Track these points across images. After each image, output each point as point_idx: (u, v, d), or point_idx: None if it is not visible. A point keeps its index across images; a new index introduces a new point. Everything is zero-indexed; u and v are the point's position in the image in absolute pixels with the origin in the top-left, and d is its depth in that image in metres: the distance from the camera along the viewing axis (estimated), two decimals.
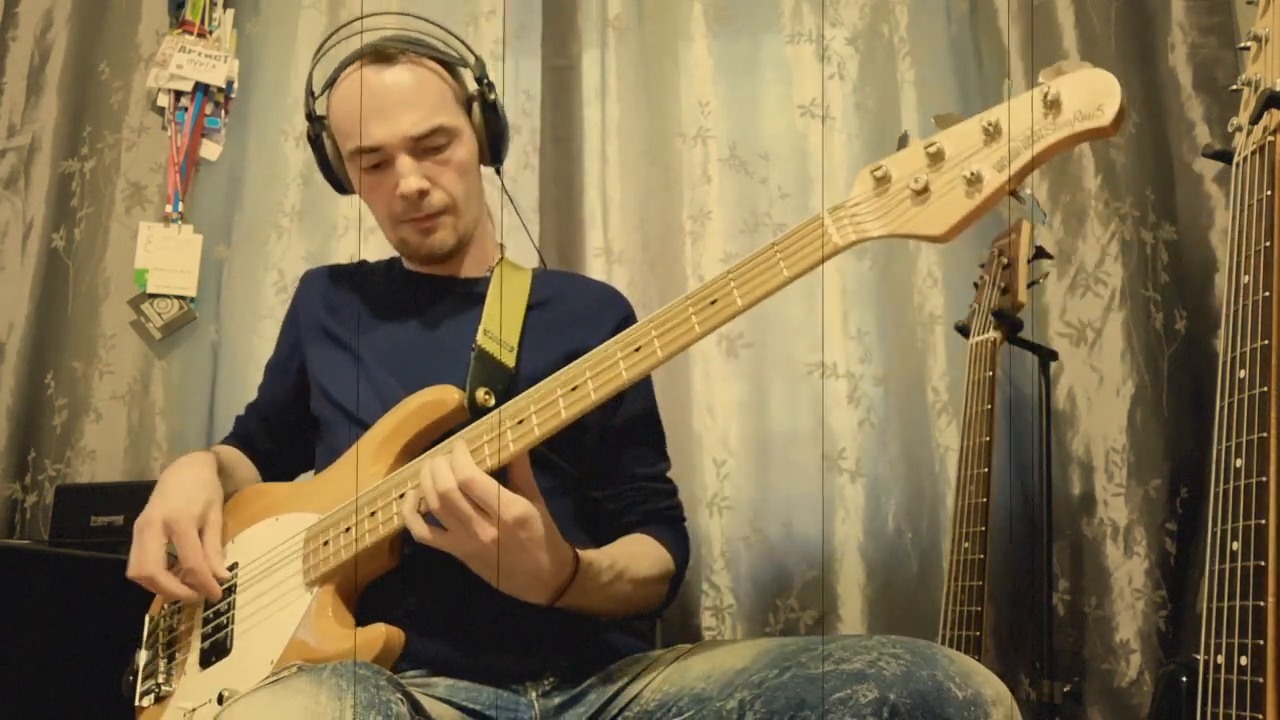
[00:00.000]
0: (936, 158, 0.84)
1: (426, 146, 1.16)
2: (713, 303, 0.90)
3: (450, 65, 1.22)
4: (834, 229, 0.87)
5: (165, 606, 1.15)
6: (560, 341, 1.19)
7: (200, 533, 1.09)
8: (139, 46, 2.11)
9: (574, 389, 0.94)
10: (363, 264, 1.36)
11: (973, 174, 0.82)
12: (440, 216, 1.18)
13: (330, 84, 1.21)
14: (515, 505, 0.93)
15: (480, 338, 1.15)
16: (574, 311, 1.25)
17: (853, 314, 1.88)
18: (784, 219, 1.94)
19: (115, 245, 2.05)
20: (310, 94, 1.25)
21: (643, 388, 1.25)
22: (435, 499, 0.93)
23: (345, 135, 1.17)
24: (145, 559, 1.08)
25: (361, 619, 1.03)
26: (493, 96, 1.23)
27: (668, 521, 1.21)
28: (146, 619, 1.17)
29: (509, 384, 1.12)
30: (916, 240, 0.86)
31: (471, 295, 1.23)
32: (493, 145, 1.24)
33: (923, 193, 0.84)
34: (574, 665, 1.06)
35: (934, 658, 0.82)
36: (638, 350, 0.93)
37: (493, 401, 1.08)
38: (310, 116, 1.24)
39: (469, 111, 1.22)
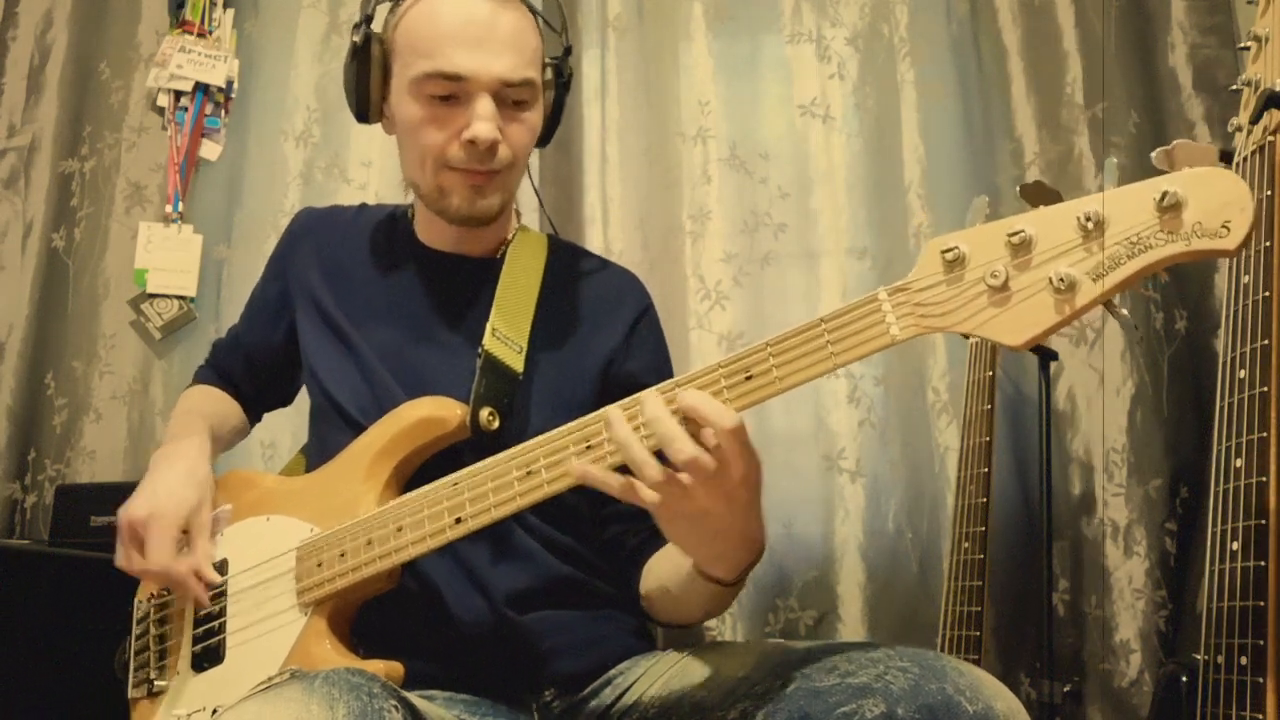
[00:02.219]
0: (1021, 248, 0.72)
1: (512, 97, 1.06)
2: (748, 378, 0.82)
3: (544, 28, 1.13)
4: (893, 316, 0.78)
5: (154, 593, 1.13)
6: (573, 338, 1.14)
7: (187, 533, 1.05)
8: (139, 46, 2.11)
9: (588, 446, 0.87)
10: (364, 211, 1.26)
11: (1063, 279, 0.70)
12: (496, 176, 1.07)
13: None
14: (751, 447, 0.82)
15: (488, 340, 1.08)
16: (588, 302, 1.18)
17: None
18: (784, 219, 1.94)
19: (115, 245, 2.05)
20: None
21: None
22: (662, 471, 0.81)
23: (423, 54, 1.04)
24: (133, 557, 1.04)
25: (357, 638, 1.01)
26: (569, 72, 1.15)
27: None
28: (135, 603, 1.15)
29: (514, 393, 1.07)
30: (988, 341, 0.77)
31: (483, 280, 1.15)
32: (551, 124, 1.16)
33: (1001, 290, 0.73)
34: (575, 676, 1.04)
35: (943, 670, 0.79)
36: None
37: (497, 424, 1.03)
38: (366, 20, 1.08)
39: (544, 79, 1.12)
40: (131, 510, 1.04)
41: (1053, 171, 1.86)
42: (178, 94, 2.07)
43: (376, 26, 1.10)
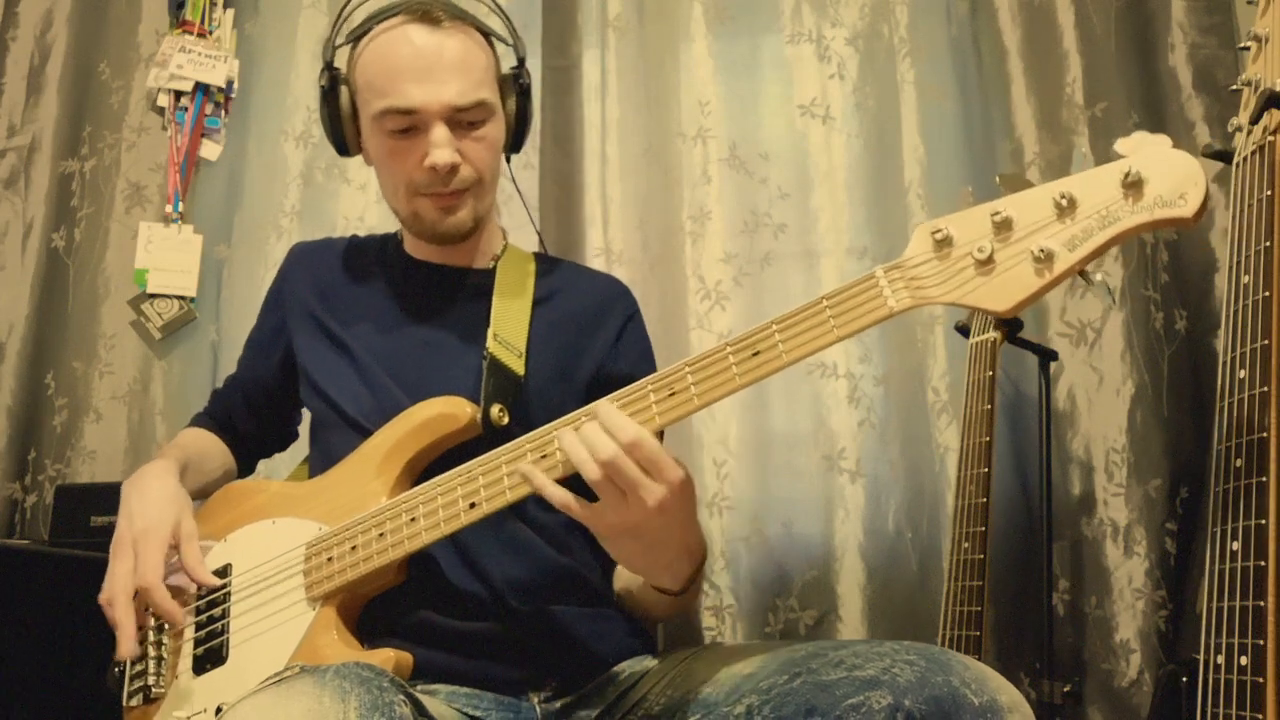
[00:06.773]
0: (1003, 227, 0.80)
1: (465, 120, 1.10)
2: (755, 354, 0.87)
3: (493, 41, 1.18)
4: (889, 290, 0.83)
5: None
6: (567, 345, 1.17)
7: (176, 548, 1.06)
8: (139, 46, 2.11)
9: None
10: (354, 240, 1.31)
11: (1042, 250, 0.78)
12: (464, 194, 1.12)
13: (360, 35, 1.14)
14: (679, 466, 0.87)
15: (491, 344, 1.11)
16: (578, 311, 1.22)
17: None
18: (784, 219, 1.94)
19: (115, 245, 2.05)
20: (332, 44, 1.16)
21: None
22: (596, 469, 0.85)
23: (378, 92, 1.09)
24: (122, 579, 1.04)
25: (362, 630, 1.02)
26: (527, 80, 1.18)
27: None
28: None
29: (519, 394, 1.09)
30: (975, 311, 0.86)
31: (475, 289, 1.19)
32: (518, 132, 1.20)
33: (987, 263, 0.80)
34: (576, 671, 1.05)
35: (949, 664, 0.80)
36: (672, 395, 0.90)
37: (507, 419, 1.06)
38: (329, 65, 1.15)
39: (503, 92, 1.17)
40: (119, 537, 1.06)
41: (1053, 171, 1.86)
42: (178, 94, 2.07)
43: (341, 64, 1.16)
